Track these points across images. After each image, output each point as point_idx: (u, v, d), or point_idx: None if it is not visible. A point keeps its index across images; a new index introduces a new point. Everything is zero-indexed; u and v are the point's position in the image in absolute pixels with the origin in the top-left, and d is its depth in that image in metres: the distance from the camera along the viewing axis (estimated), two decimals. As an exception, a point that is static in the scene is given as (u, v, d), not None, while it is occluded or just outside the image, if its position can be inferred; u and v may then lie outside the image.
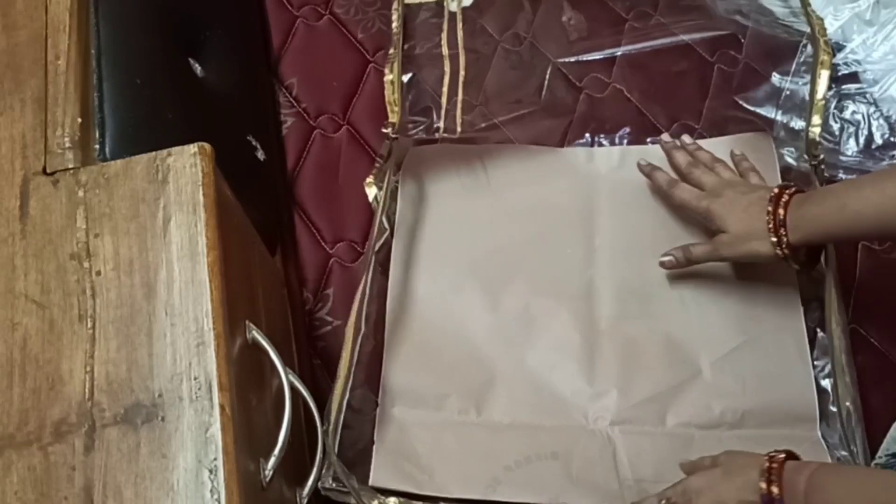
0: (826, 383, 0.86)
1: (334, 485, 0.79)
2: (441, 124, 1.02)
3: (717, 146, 0.97)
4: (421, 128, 1.02)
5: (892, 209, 0.74)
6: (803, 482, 0.67)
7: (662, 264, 0.89)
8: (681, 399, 0.85)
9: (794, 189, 0.82)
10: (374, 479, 0.83)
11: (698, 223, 0.91)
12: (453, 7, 1.11)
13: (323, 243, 0.98)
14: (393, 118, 0.99)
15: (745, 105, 1.02)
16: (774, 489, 0.68)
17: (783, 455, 0.70)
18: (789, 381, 0.85)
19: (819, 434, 0.83)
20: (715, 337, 0.88)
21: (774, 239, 0.80)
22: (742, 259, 0.85)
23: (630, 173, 0.97)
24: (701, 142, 0.98)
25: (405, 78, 1.05)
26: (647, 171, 0.94)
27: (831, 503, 0.65)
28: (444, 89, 1.05)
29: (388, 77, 1.03)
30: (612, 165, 0.98)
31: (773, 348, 0.87)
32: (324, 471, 0.79)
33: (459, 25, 1.09)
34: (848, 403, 0.82)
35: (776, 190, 0.82)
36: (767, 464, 0.69)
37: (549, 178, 0.98)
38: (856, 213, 0.76)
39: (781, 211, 0.80)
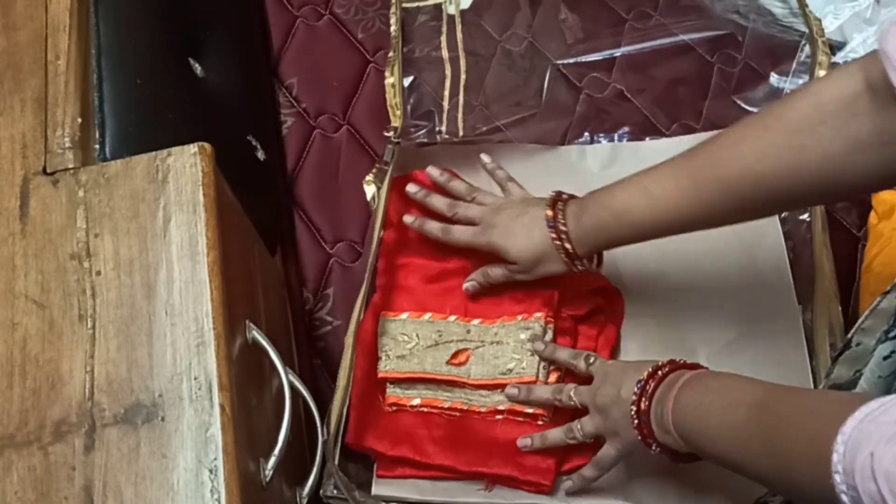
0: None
1: (336, 492, 0.79)
2: (443, 128, 1.02)
3: None
4: (423, 132, 1.02)
5: (663, 212, 0.74)
6: (671, 399, 0.68)
7: (466, 290, 0.88)
8: None
9: (565, 198, 0.81)
10: (377, 490, 0.83)
11: None
12: (451, 10, 1.11)
13: (323, 243, 0.98)
14: (395, 122, 0.99)
15: (744, 105, 1.02)
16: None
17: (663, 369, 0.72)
18: (785, 375, 0.85)
19: None
20: (711, 331, 0.88)
21: (565, 258, 0.80)
22: (542, 278, 0.84)
23: (622, 170, 0.97)
24: (694, 137, 0.98)
25: (406, 81, 1.04)
26: (417, 224, 0.90)
27: (691, 418, 0.67)
28: (446, 92, 1.05)
29: (389, 80, 1.02)
30: (604, 162, 0.99)
31: (770, 341, 0.87)
32: (325, 479, 0.79)
33: (458, 28, 1.09)
34: None
35: (548, 210, 0.80)
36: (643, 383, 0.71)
37: (547, 176, 0.98)
38: (631, 222, 0.76)
39: (563, 227, 0.79)
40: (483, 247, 0.84)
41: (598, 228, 0.78)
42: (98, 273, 0.65)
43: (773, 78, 1.03)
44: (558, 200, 0.81)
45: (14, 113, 0.72)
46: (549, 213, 0.80)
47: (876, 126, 0.62)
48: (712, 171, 0.71)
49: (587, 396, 0.77)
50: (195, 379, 0.61)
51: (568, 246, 0.79)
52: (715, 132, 0.97)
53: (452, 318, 0.88)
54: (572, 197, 0.82)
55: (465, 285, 0.88)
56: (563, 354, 0.82)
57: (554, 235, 0.79)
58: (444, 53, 1.08)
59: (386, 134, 0.99)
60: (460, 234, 0.86)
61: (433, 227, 0.89)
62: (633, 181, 0.77)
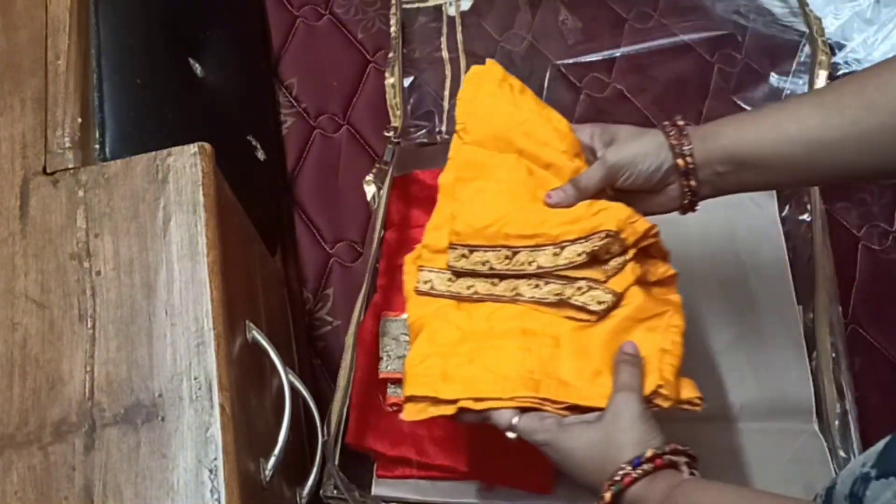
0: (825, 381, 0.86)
1: (336, 492, 0.79)
2: (443, 128, 1.02)
3: None
4: (423, 132, 1.02)
5: (804, 140, 0.66)
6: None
7: (548, 200, 0.74)
8: None
9: (683, 124, 0.72)
10: (377, 490, 0.83)
11: (690, 219, 0.93)
12: (451, 11, 1.11)
13: (323, 243, 0.98)
14: (395, 122, 0.99)
15: (744, 105, 1.02)
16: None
17: (649, 463, 0.62)
18: (785, 374, 0.86)
19: (815, 426, 0.84)
20: (711, 331, 0.88)
21: (686, 188, 0.71)
22: (632, 169, 0.72)
23: None
24: None
25: (406, 82, 1.04)
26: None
27: None
28: (446, 93, 1.05)
29: (390, 80, 1.03)
30: None
31: (770, 341, 0.88)
32: (325, 479, 0.79)
33: (459, 29, 1.09)
34: (838, 409, 0.82)
35: (669, 129, 0.72)
36: (619, 477, 0.62)
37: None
38: (766, 154, 0.67)
39: (687, 148, 0.70)
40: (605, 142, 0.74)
41: (728, 155, 0.69)
42: (98, 273, 0.65)
43: (773, 78, 1.03)
44: (679, 125, 0.72)
45: (14, 113, 0.72)
46: (671, 131, 0.71)
47: None
48: (859, 97, 0.64)
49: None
50: (195, 379, 0.61)
51: (691, 165, 0.70)
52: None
53: None
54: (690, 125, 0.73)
55: (550, 196, 0.74)
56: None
57: (677, 146, 0.70)
58: (445, 54, 1.08)
59: (386, 134, 0.99)
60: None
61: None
62: (765, 111, 0.69)
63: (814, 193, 0.92)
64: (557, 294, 0.71)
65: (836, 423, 0.82)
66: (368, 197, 0.98)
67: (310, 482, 0.74)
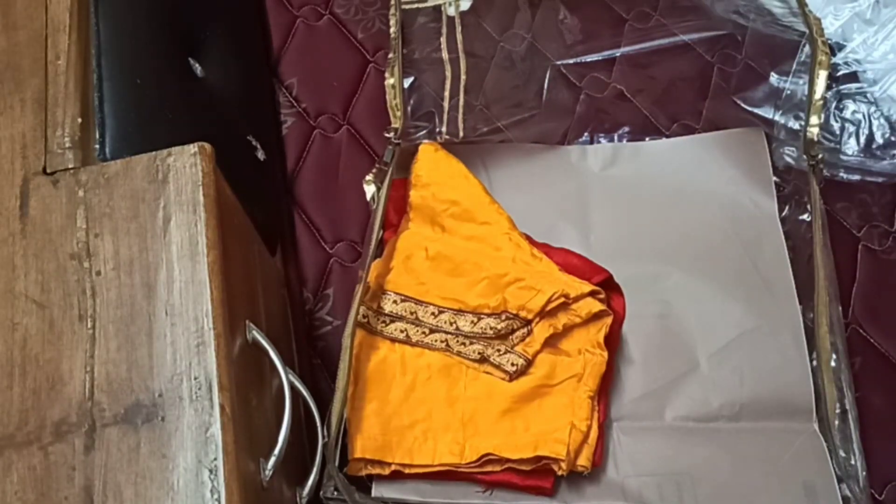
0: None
1: (336, 493, 0.79)
2: (443, 128, 1.02)
3: (711, 141, 0.98)
4: (423, 133, 1.02)
5: None
6: None
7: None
8: (679, 393, 0.86)
9: None
10: (377, 490, 0.83)
11: (690, 219, 0.93)
12: (451, 11, 1.11)
13: (323, 243, 0.98)
14: (395, 123, 0.99)
15: (744, 105, 1.02)
16: None
17: None
18: (786, 374, 0.86)
19: (815, 426, 0.84)
20: (711, 330, 0.88)
21: None
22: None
23: (622, 170, 0.98)
24: (694, 137, 0.98)
25: (406, 82, 1.04)
26: None
27: None
28: (446, 93, 1.05)
29: (390, 81, 1.02)
30: (605, 162, 0.99)
31: (770, 340, 0.87)
32: (325, 480, 0.79)
33: (458, 29, 1.09)
34: (838, 409, 0.82)
35: None
36: None
37: (547, 176, 0.98)
38: None
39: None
40: None
41: None
42: (98, 273, 0.65)
43: (773, 78, 1.03)
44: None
45: (14, 113, 0.72)
46: None
47: None
48: None
49: None
50: (195, 379, 0.61)
51: None
52: (715, 133, 0.98)
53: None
54: None
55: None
56: None
57: None
58: (444, 54, 1.08)
59: (386, 135, 0.99)
60: None
61: None
62: None
63: (814, 193, 0.92)
64: (480, 353, 0.85)
65: (836, 423, 0.82)
66: (368, 197, 0.98)
67: (310, 482, 0.74)
